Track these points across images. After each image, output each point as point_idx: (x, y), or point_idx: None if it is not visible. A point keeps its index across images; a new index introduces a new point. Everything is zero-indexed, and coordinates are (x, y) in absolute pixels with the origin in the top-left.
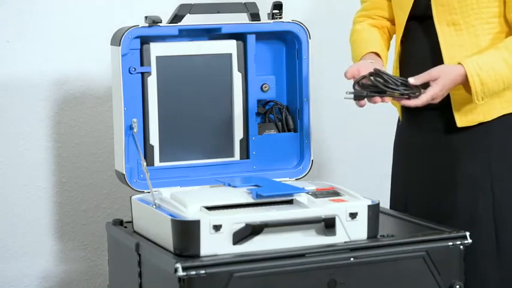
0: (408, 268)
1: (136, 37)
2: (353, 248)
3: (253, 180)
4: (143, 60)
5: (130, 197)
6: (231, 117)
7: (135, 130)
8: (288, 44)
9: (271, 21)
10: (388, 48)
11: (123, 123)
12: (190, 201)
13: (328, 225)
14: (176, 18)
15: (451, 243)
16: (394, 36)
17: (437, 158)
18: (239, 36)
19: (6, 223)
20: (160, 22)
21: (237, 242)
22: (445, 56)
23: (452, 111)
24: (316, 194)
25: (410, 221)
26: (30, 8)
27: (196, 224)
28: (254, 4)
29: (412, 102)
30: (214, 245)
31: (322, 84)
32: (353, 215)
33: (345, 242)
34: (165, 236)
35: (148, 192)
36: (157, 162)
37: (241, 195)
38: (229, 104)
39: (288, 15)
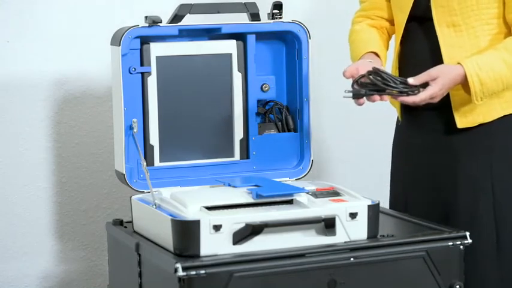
0: (408, 268)
1: (136, 37)
2: (353, 248)
3: (253, 180)
4: (143, 60)
5: (130, 197)
6: (231, 117)
7: (135, 130)
8: (288, 44)
9: (271, 21)
10: (387, 49)
11: (123, 123)
12: (190, 201)
13: (328, 225)
14: (176, 18)
15: (451, 243)
16: (393, 36)
17: (437, 159)
18: (239, 36)
19: (6, 223)
20: (160, 22)
21: (237, 242)
22: (445, 57)
23: (452, 112)
24: (316, 194)
25: (410, 221)
26: (30, 8)
27: (196, 224)
28: (254, 4)
29: (411, 99)
30: (214, 245)
31: (322, 84)
32: (353, 215)
33: (345, 242)
34: (165, 236)
35: (148, 192)
36: (157, 162)
37: (241, 195)
38: (229, 104)
39: (288, 15)
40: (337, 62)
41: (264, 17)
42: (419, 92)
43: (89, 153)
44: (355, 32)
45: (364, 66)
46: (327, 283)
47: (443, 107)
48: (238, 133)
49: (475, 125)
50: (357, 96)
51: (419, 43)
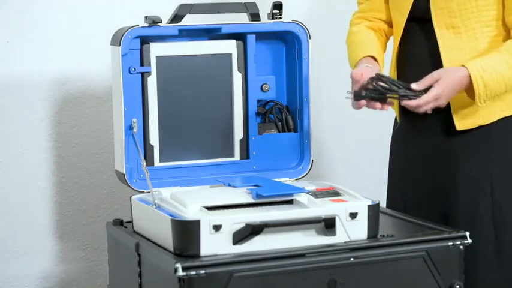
0: (408, 268)
1: (136, 37)
2: (353, 248)
3: (253, 180)
4: (143, 60)
5: (131, 197)
6: (231, 117)
7: (135, 130)
8: (288, 44)
9: (271, 21)
10: (385, 51)
11: (123, 123)
12: (190, 201)
13: (328, 225)
14: (176, 18)
15: (451, 243)
16: (391, 37)
17: (436, 161)
18: (239, 36)
19: (6, 223)
20: (160, 22)
21: (237, 242)
22: (444, 59)
23: (451, 114)
24: (316, 194)
25: (410, 221)
26: (30, 8)
27: (196, 224)
28: (254, 4)
29: (414, 102)
30: (214, 245)
31: (322, 84)
32: (353, 215)
33: (345, 242)
34: (165, 236)
35: (148, 192)
36: (157, 162)
37: (241, 195)
38: (229, 104)
39: (288, 15)
40: (337, 62)
41: (264, 17)
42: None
43: (89, 153)
44: (352, 33)
45: (368, 72)
46: (327, 283)
47: (442, 109)
48: (238, 133)
49: (475, 127)
50: (357, 98)
51: (419, 45)
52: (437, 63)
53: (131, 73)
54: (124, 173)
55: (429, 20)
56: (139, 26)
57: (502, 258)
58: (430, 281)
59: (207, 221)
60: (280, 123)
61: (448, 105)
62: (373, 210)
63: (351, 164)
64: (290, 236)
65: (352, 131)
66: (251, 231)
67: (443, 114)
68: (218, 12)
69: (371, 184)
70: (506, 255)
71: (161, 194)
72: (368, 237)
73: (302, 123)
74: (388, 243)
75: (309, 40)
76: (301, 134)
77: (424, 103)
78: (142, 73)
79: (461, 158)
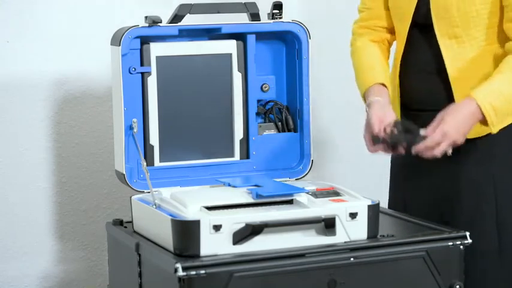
0: (408, 268)
1: (136, 37)
2: (353, 248)
3: (253, 180)
4: (143, 60)
5: (130, 197)
6: (231, 117)
7: (135, 130)
8: (288, 44)
9: (271, 21)
10: (388, 58)
11: (123, 123)
12: (190, 201)
13: (328, 225)
14: (176, 18)
15: (451, 243)
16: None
17: (439, 165)
18: (239, 36)
19: (6, 223)
20: (160, 22)
21: (237, 242)
22: (449, 69)
23: None
24: (316, 194)
25: (410, 221)
26: (30, 8)
27: (196, 224)
28: (254, 4)
29: (422, 145)
30: (214, 245)
31: (322, 84)
32: (353, 215)
33: (345, 242)
34: (165, 236)
35: (148, 192)
36: (157, 162)
37: (241, 195)
38: (229, 104)
39: (288, 15)
40: (337, 62)
41: (264, 17)
42: None
43: (89, 153)
44: (358, 50)
45: (385, 116)
46: (327, 283)
47: None
48: (238, 133)
49: (480, 136)
50: (376, 141)
51: (423, 53)
52: (441, 70)
53: (131, 73)
54: (124, 173)
55: (431, 26)
56: (139, 26)
57: (503, 259)
58: (430, 281)
59: (207, 221)
60: (280, 123)
61: None
62: (373, 210)
63: (351, 164)
64: (290, 236)
65: (352, 131)
66: (251, 231)
67: None
68: (218, 12)
69: (371, 184)
70: (507, 255)
71: (161, 194)
72: (368, 237)
73: (302, 123)
74: (388, 243)
75: (309, 40)
76: (301, 134)
77: (432, 143)
78: (142, 73)
79: (464, 162)
